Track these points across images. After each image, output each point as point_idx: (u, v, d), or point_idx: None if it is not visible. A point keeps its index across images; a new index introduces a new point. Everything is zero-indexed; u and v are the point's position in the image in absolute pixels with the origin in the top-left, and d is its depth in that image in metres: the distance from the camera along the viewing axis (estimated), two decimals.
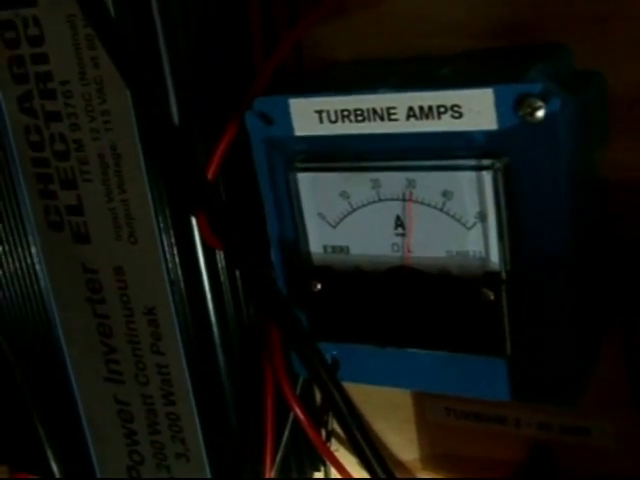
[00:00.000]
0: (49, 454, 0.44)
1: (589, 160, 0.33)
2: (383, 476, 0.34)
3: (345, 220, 0.33)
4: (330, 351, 0.36)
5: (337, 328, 0.35)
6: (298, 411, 0.39)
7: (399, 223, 0.33)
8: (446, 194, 0.31)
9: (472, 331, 0.32)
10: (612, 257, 0.35)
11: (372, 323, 0.34)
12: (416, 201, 0.32)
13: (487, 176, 0.30)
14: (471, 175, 0.31)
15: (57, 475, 0.44)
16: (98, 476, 0.46)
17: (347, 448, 0.46)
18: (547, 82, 0.30)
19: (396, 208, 0.32)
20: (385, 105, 0.32)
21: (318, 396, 0.45)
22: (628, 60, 0.33)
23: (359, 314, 0.34)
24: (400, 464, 0.45)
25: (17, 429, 0.47)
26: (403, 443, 0.45)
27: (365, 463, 0.34)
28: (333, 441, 0.45)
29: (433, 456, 0.44)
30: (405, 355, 0.35)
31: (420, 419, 0.44)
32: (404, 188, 0.32)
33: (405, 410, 0.44)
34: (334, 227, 0.34)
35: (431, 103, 0.31)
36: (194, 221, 0.37)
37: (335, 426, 0.45)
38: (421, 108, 0.31)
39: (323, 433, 0.45)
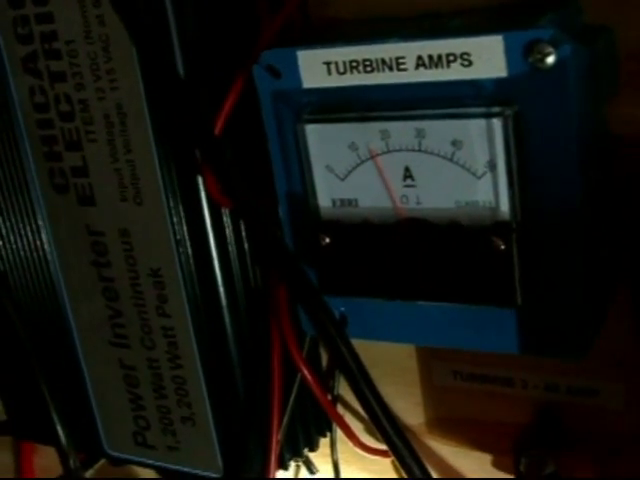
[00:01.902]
0: (55, 421, 0.44)
1: (598, 112, 0.33)
2: (392, 432, 0.34)
3: (354, 172, 0.33)
4: (338, 307, 0.36)
5: (346, 282, 0.35)
6: (305, 371, 0.39)
7: (408, 174, 0.32)
8: (455, 143, 0.31)
9: (482, 282, 0.32)
10: (621, 213, 0.35)
11: (381, 276, 0.34)
12: (425, 151, 0.32)
13: (497, 123, 0.30)
14: (481, 123, 0.30)
15: (63, 442, 0.44)
16: (104, 442, 0.46)
17: (353, 414, 0.46)
18: (557, 29, 0.30)
19: (405, 159, 0.32)
20: (394, 55, 0.32)
21: (324, 362, 0.45)
22: (637, 13, 0.33)
23: (368, 267, 0.34)
24: (406, 428, 0.45)
25: (23, 396, 0.47)
26: (410, 407, 0.45)
27: (373, 419, 0.34)
28: (339, 407, 0.45)
29: (439, 419, 0.44)
30: (414, 309, 0.35)
31: (427, 382, 0.44)
32: (413, 138, 0.32)
33: (412, 374, 0.44)
34: (342, 180, 0.34)
35: (440, 52, 0.31)
36: (200, 181, 0.37)
37: (341, 392, 0.45)
38: (430, 57, 0.31)
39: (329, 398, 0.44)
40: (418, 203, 0.33)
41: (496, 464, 0.43)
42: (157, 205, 0.39)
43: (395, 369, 0.44)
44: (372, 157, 0.33)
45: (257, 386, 0.41)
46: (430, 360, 0.43)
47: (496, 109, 0.30)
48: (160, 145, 0.37)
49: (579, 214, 0.31)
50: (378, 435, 0.34)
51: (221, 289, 0.39)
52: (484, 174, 0.31)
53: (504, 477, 0.43)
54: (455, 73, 0.31)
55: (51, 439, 0.45)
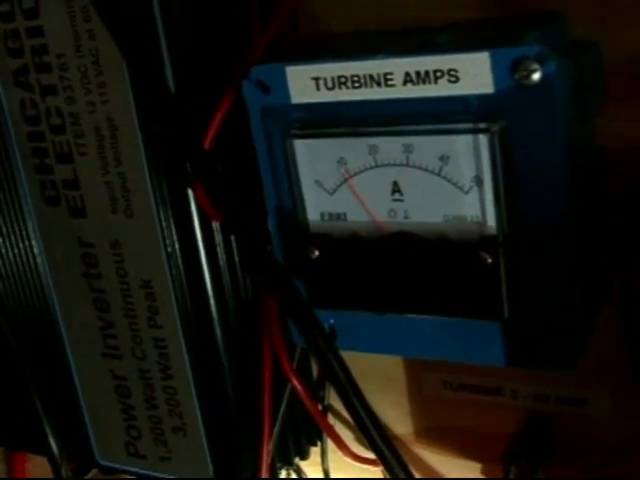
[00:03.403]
0: (47, 431, 0.44)
1: (584, 126, 0.33)
2: (381, 443, 0.34)
3: (342, 187, 0.34)
4: (327, 319, 0.36)
5: (335, 295, 0.35)
6: (296, 382, 0.39)
7: (396, 189, 0.33)
8: (443, 158, 0.31)
9: (470, 295, 0.32)
10: (610, 223, 0.35)
11: (370, 289, 0.34)
12: (413, 166, 0.32)
13: (483, 139, 0.30)
14: (468, 138, 0.31)
15: (55, 452, 0.44)
16: (95, 452, 0.46)
17: (343, 423, 0.46)
18: (543, 46, 0.30)
19: (393, 174, 0.33)
20: (382, 71, 0.32)
21: (314, 372, 0.45)
22: (624, 28, 0.33)
23: (357, 281, 0.34)
24: (396, 438, 0.45)
25: (15, 407, 0.47)
26: (399, 417, 0.45)
27: (363, 431, 0.34)
28: (329, 417, 0.45)
29: (429, 429, 0.45)
30: (403, 322, 0.35)
31: (416, 393, 0.44)
32: (401, 153, 0.32)
33: (401, 384, 0.44)
34: (331, 194, 0.34)
35: (428, 68, 0.31)
36: (191, 193, 0.37)
37: (331, 402, 0.45)
38: (418, 73, 0.31)
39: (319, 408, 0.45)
40: (406, 217, 0.33)
41: (486, 473, 0.44)
42: (148, 217, 0.39)
43: (384, 379, 0.44)
44: (361, 172, 0.33)
45: (248, 396, 0.41)
46: (420, 370, 0.43)
47: (483, 125, 0.31)
48: (150, 158, 0.38)
49: (566, 228, 0.31)
50: (367, 444, 0.35)
51: (212, 300, 0.39)
52: (471, 189, 0.31)
53: None
54: (442, 89, 0.31)
55: (43, 449, 0.45)
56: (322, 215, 0.35)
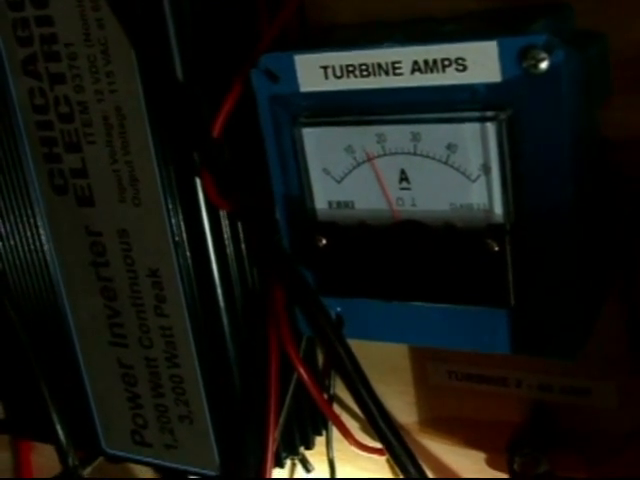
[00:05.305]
0: (54, 419, 0.44)
1: (591, 116, 0.34)
2: (387, 431, 0.34)
3: (350, 175, 0.34)
4: (334, 308, 0.37)
5: (342, 283, 0.35)
6: (302, 371, 0.39)
7: (404, 177, 0.33)
8: (450, 147, 0.32)
9: (477, 283, 0.33)
10: (614, 212, 0.35)
11: (377, 278, 0.35)
12: (421, 154, 0.32)
13: (491, 128, 0.31)
14: (475, 127, 0.31)
15: (62, 440, 0.44)
16: (102, 440, 0.46)
17: (349, 413, 0.46)
18: (550, 35, 0.30)
19: (401, 162, 0.33)
20: (390, 59, 0.32)
21: (320, 361, 0.45)
22: (630, 21, 0.34)
23: (364, 269, 0.35)
24: (401, 427, 0.45)
25: (22, 395, 0.48)
26: (404, 406, 0.45)
27: (370, 419, 0.34)
28: (335, 406, 0.46)
29: (434, 419, 0.45)
30: (409, 310, 0.35)
31: (422, 382, 0.44)
32: (409, 142, 0.32)
33: (406, 373, 0.44)
34: (339, 182, 0.34)
35: (435, 56, 0.31)
36: (198, 182, 0.38)
37: (337, 391, 0.45)
38: (426, 62, 0.32)
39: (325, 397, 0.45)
40: (413, 205, 0.33)
41: (490, 463, 0.44)
42: (155, 206, 0.39)
43: (390, 368, 0.44)
44: (368, 160, 0.33)
45: (254, 385, 0.41)
46: (425, 360, 0.43)
47: (490, 113, 0.31)
48: (159, 147, 0.38)
49: (572, 216, 0.31)
50: (374, 434, 0.35)
51: (219, 289, 0.40)
52: (478, 177, 0.32)
53: (498, 476, 0.43)
54: (450, 78, 0.31)
55: (50, 437, 0.45)
56: (330, 203, 0.35)
